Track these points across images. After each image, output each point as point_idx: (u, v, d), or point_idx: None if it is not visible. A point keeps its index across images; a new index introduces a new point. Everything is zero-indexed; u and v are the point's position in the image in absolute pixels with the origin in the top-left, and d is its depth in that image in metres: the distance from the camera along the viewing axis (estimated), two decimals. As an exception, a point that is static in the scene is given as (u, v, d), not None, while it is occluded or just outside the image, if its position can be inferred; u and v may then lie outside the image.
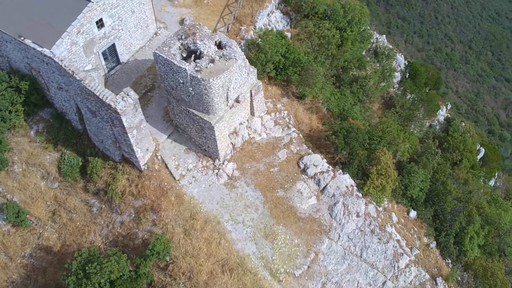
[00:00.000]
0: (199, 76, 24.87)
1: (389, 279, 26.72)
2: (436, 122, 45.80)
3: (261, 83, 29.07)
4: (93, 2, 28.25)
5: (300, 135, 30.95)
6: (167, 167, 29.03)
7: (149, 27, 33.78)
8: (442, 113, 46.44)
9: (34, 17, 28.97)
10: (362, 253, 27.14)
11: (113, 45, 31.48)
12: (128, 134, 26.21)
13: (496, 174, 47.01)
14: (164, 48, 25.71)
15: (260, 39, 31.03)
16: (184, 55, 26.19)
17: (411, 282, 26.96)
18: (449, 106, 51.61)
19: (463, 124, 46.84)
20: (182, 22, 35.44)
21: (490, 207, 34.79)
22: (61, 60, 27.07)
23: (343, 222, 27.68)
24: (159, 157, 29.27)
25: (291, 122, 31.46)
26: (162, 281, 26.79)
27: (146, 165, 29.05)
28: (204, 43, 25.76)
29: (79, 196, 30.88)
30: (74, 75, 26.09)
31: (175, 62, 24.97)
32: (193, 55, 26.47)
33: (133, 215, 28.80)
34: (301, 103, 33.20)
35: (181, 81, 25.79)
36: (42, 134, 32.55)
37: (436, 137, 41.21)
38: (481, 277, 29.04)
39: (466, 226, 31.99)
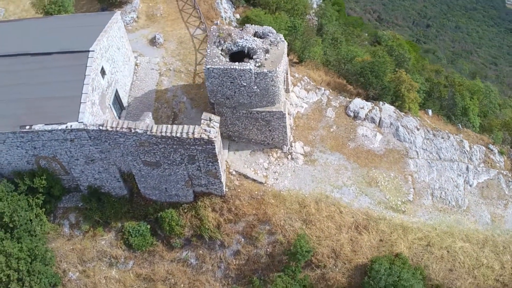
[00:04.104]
0: (265, 70, 24.12)
1: (468, 163, 30.91)
2: (363, 39, 51.22)
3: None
4: (94, 51, 24.44)
5: (330, 90, 32.34)
6: (247, 177, 27.78)
7: (131, 60, 30.53)
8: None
9: (32, 98, 23.94)
10: (439, 155, 30.60)
11: (116, 91, 27.83)
12: (218, 161, 24.33)
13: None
14: (214, 60, 24.04)
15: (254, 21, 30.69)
16: (227, 59, 24.90)
17: (479, 158, 31.59)
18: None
19: (385, 32, 53.38)
20: (152, 42, 32.65)
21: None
22: (101, 125, 23.27)
23: (412, 140, 30.56)
24: (234, 172, 27.78)
25: (315, 84, 32.51)
26: (314, 276, 26.46)
27: (226, 187, 27.36)
28: (247, 39, 24.83)
29: (166, 259, 27.76)
30: (136, 130, 22.77)
31: (237, 67, 23.71)
32: (225, 54, 25.25)
33: (243, 239, 27.20)
34: (304, 66, 34.24)
35: (244, 84, 24.63)
36: (80, 224, 27.79)
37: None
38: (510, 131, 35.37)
39: (464, 104, 37.86)
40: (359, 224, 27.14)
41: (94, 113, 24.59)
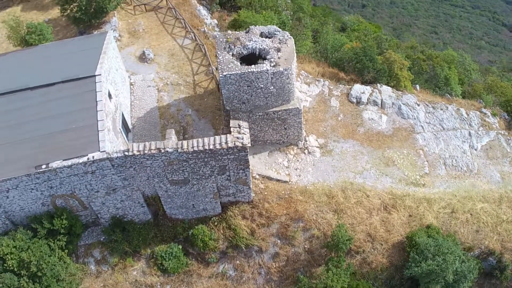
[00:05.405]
0: (280, 69, 23.94)
1: (469, 129, 32.41)
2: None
3: (287, 54, 29.20)
4: (101, 75, 23.14)
5: (328, 80, 32.66)
6: (270, 179, 27.55)
7: (126, 80, 29.21)
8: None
9: (42, 134, 22.38)
10: (442, 126, 31.82)
11: (122, 114, 26.55)
12: (249, 166, 23.90)
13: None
14: (228, 66, 23.54)
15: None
16: (239, 63, 24.46)
17: (477, 122, 33.20)
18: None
19: (347, 17, 54.72)
20: (141, 59, 31.43)
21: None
22: (126, 151, 22.12)
23: (415, 116, 31.56)
24: (257, 176, 27.44)
25: (313, 76, 32.70)
26: (356, 262, 26.74)
27: (253, 192, 26.96)
28: (255, 41, 24.50)
29: (204, 276, 27.00)
30: (166, 150, 21.83)
31: (254, 70, 23.37)
32: (236, 59, 24.82)
33: (279, 241, 26.97)
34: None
35: (261, 86, 24.33)
36: (106, 259, 26.40)
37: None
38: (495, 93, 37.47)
39: (445, 74, 39.64)
40: (386, 204, 27.74)
41: (110, 139, 23.33)
